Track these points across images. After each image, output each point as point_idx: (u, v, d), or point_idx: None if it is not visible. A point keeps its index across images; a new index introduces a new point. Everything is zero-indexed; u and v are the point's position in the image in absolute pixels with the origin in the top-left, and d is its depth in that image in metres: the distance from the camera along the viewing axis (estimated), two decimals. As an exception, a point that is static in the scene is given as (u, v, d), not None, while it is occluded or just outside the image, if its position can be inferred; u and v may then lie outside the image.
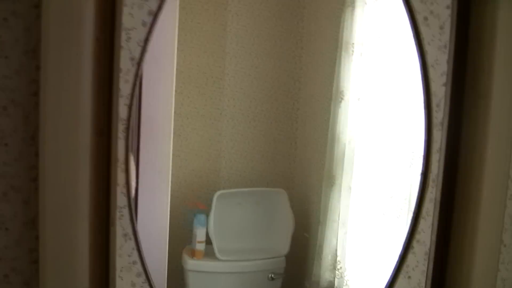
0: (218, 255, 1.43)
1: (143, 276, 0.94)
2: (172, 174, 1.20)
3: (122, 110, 0.88)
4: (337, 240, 1.43)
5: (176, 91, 1.18)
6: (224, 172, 1.51)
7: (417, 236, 1.03)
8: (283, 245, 1.47)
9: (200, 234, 1.44)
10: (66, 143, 0.84)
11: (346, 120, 1.43)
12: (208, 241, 1.43)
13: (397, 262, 1.03)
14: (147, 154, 1.12)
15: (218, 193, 1.45)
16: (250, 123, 1.50)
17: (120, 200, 0.90)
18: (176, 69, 1.16)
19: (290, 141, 1.53)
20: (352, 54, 1.43)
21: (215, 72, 1.46)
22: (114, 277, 0.92)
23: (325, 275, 1.45)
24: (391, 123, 1.37)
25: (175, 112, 1.19)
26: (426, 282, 1.05)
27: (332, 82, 1.45)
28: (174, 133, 1.23)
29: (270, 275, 1.47)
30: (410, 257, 1.04)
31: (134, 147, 1.06)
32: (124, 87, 0.88)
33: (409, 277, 1.08)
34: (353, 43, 1.42)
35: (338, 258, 1.43)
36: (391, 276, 1.01)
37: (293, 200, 1.49)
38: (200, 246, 1.44)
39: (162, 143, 1.21)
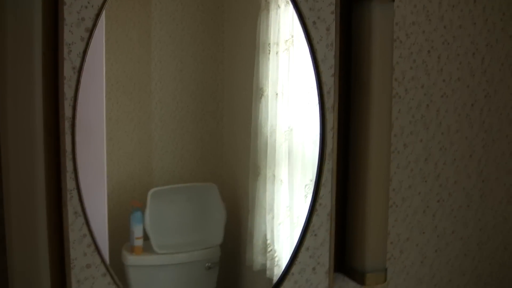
0: (156, 249, 1.75)
1: (93, 247, 1.37)
2: (107, 177, 1.59)
3: (67, 110, 1.32)
4: (265, 225, 1.86)
5: (106, 97, 1.57)
6: (156, 172, 1.81)
7: (320, 201, 1.49)
8: (217, 236, 1.82)
9: (137, 230, 1.74)
10: (23, 139, 1.27)
11: (267, 114, 1.82)
12: (146, 237, 1.74)
13: (304, 223, 1.48)
14: (83, 158, 1.49)
15: (151, 191, 1.76)
16: (178, 124, 1.82)
17: (70, 183, 1.33)
18: (105, 76, 1.55)
19: (217, 138, 1.87)
20: (269, 53, 1.86)
21: (142, 77, 1.76)
22: (68, 248, 1.35)
23: (258, 259, 1.86)
24: (306, 114, 1.82)
25: (106, 117, 1.57)
26: (330, 238, 1.52)
27: (252, 80, 1.83)
28: (106, 137, 1.61)
29: (207, 265, 1.81)
30: (315, 218, 1.50)
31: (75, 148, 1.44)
32: (68, 91, 1.32)
33: (315, 235, 1.55)
34: (269, 43, 1.84)
35: (268, 242, 1.84)
36: (300, 235, 1.46)
37: (224, 192, 1.83)
38: (138, 242, 1.74)
39: (96, 146, 1.58)
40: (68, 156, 1.30)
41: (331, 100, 1.45)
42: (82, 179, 1.42)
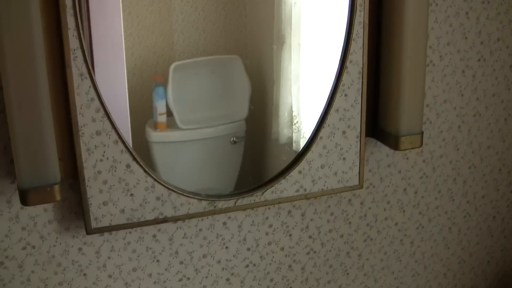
0: (180, 124, 1.74)
1: (102, 111, 1.31)
2: (126, 52, 1.53)
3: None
4: (291, 96, 1.80)
5: None
6: (178, 45, 1.80)
7: (350, 57, 1.39)
8: (242, 109, 1.78)
9: (160, 106, 1.73)
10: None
11: None
12: (169, 113, 1.73)
13: (333, 82, 1.37)
14: (99, 33, 1.44)
15: (173, 65, 1.74)
16: None
17: (73, 42, 1.25)
18: None
19: (240, 8, 1.82)
20: None
21: None
22: (75, 113, 1.29)
23: (284, 132, 1.81)
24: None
25: None
26: (361, 99, 1.42)
27: None
28: (123, 11, 1.54)
29: (232, 139, 1.80)
30: (345, 77, 1.40)
31: (85, 24, 1.38)
32: None
33: (346, 95, 1.45)
34: None
35: (294, 113, 1.79)
36: (329, 95, 1.37)
37: (248, 64, 1.78)
38: (162, 118, 1.73)
39: (113, 20, 1.53)
40: (69, 11, 1.22)
41: None
42: (98, 54, 1.36)
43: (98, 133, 1.35)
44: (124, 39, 1.54)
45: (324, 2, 1.72)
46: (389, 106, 1.60)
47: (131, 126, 1.56)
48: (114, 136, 1.37)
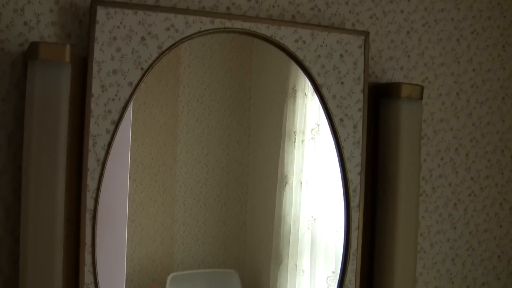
0: None
1: None
2: (127, 258, 1.55)
3: (89, 202, 1.27)
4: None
5: (130, 178, 1.54)
6: (178, 255, 1.79)
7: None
8: None
9: None
10: (43, 231, 1.22)
11: (291, 202, 1.79)
12: None
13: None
14: (104, 240, 1.46)
15: (171, 275, 1.74)
16: (201, 207, 1.79)
17: (88, 277, 1.27)
18: (130, 157, 1.53)
19: (240, 224, 1.85)
20: (294, 141, 1.83)
21: (168, 160, 1.76)
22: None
23: None
24: (330, 203, 1.76)
25: (129, 199, 1.54)
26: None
27: (277, 167, 1.81)
28: (128, 218, 1.58)
29: None
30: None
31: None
32: (91, 183, 1.28)
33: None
34: (294, 131, 1.82)
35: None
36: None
37: (245, 280, 1.78)
38: None
39: (118, 229, 1.55)
40: (88, 249, 1.25)
41: (357, 199, 1.39)
42: (100, 257, 1.36)
43: None
44: (127, 246, 1.55)
45: (321, 228, 1.77)
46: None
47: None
48: None
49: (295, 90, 1.81)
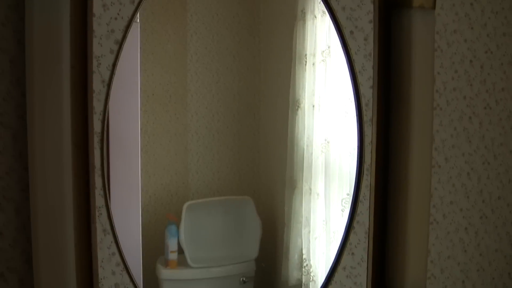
0: (190, 263, 1.72)
1: (122, 265, 1.29)
2: (141, 189, 1.53)
3: (96, 125, 1.24)
4: (302, 240, 1.78)
5: (141, 109, 1.51)
6: (192, 184, 1.80)
7: (357, 218, 1.39)
8: (253, 250, 1.76)
9: (172, 244, 1.72)
10: (51, 155, 1.20)
11: (304, 127, 1.77)
12: (181, 251, 1.71)
13: (341, 241, 1.38)
14: (117, 171, 1.44)
15: (186, 204, 1.74)
16: (214, 136, 1.78)
17: (99, 200, 1.25)
18: (141, 88, 1.50)
19: (253, 151, 1.85)
20: (305, 64, 1.79)
21: (178, 89, 1.74)
22: (97, 266, 1.27)
23: (293, 274, 1.79)
24: (343, 126, 1.73)
25: (141, 130, 1.52)
26: (368, 257, 1.41)
27: (288, 92, 1.80)
28: (141, 150, 1.56)
29: (242, 279, 1.77)
30: (352, 236, 1.40)
31: (105, 162, 1.38)
32: (97, 105, 1.24)
33: (353, 253, 1.44)
34: (305, 54, 1.78)
35: (304, 257, 1.77)
36: (337, 253, 1.36)
37: (260, 206, 1.78)
38: (173, 256, 1.71)
39: (131, 159, 1.54)
40: (97, 172, 1.23)
41: (370, 113, 1.35)
42: (115, 191, 1.35)
43: (116, 285, 1.33)
44: (141, 176, 1.52)
45: (335, 151, 1.74)
46: (394, 264, 1.56)
47: (143, 263, 1.53)
48: (132, 289, 1.34)
49: (304, 13, 1.76)
